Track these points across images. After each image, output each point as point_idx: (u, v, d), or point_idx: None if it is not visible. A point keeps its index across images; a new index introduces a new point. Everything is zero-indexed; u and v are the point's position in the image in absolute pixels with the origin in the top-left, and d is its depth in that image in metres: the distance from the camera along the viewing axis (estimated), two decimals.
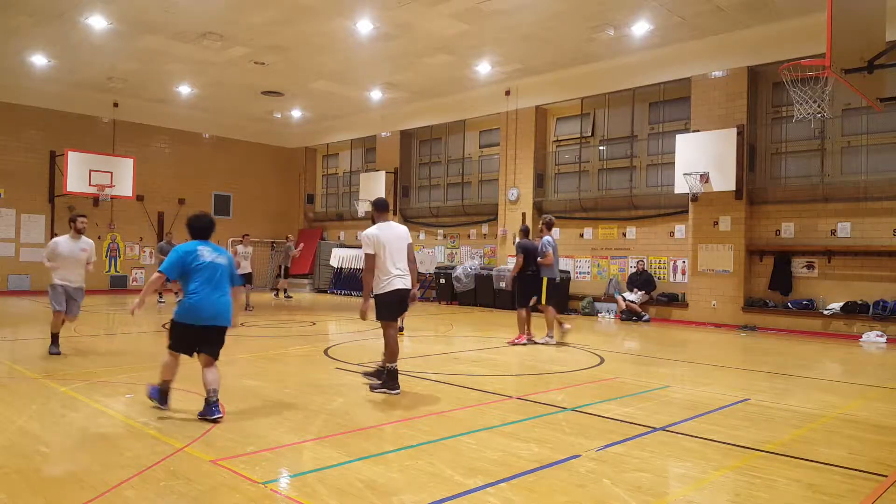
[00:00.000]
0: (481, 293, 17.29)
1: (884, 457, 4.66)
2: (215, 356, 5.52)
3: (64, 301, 8.28)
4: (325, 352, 9.03)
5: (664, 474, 4.22)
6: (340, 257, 21.57)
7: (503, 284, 16.65)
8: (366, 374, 6.83)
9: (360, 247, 21.98)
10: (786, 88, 8.21)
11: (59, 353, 8.27)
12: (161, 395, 5.57)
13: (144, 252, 21.20)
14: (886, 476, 4.22)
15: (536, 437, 4.97)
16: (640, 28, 13.33)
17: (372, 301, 6.55)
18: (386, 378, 6.44)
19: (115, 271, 20.54)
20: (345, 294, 21.08)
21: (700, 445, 4.84)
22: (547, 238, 10.25)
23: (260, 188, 24.03)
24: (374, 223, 6.78)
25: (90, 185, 18.38)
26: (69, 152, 18.18)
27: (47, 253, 8.45)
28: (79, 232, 8.58)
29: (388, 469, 4.15)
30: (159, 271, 5.46)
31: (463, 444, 4.74)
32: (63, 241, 8.49)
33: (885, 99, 7.52)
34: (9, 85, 18.06)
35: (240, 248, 15.31)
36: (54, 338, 8.43)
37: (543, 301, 10.20)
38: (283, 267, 19.57)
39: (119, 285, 20.53)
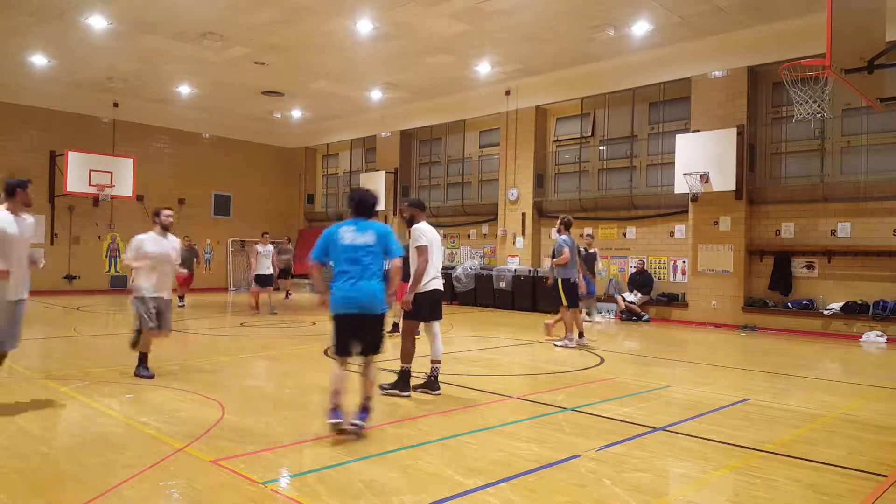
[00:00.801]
0: (481, 293, 17.29)
1: (884, 457, 4.66)
2: (373, 352, 4.98)
3: (156, 315, 6.90)
4: (325, 352, 9.03)
5: (664, 474, 4.23)
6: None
7: (503, 284, 16.66)
8: (415, 388, 6.41)
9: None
10: (786, 88, 8.21)
11: (152, 377, 6.85)
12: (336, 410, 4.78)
13: None
14: (886, 476, 4.22)
15: (536, 437, 4.97)
16: (640, 28, 13.33)
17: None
18: (398, 380, 6.28)
19: (115, 271, 20.52)
20: None
21: (700, 445, 4.84)
22: (565, 237, 10.08)
23: (260, 188, 24.03)
24: (412, 223, 6.72)
25: (90, 185, 18.38)
26: (69, 152, 18.18)
27: (132, 254, 6.99)
28: (165, 228, 7.18)
29: (388, 469, 4.15)
30: (310, 259, 5.26)
31: (463, 444, 4.74)
32: (150, 239, 7.04)
33: (885, 99, 7.52)
34: (9, 85, 18.05)
35: (259, 247, 14.61)
36: (144, 358, 7.03)
37: (564, 302, 9.88)
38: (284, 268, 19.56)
39: (119, 285, 20.50)
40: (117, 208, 20.30)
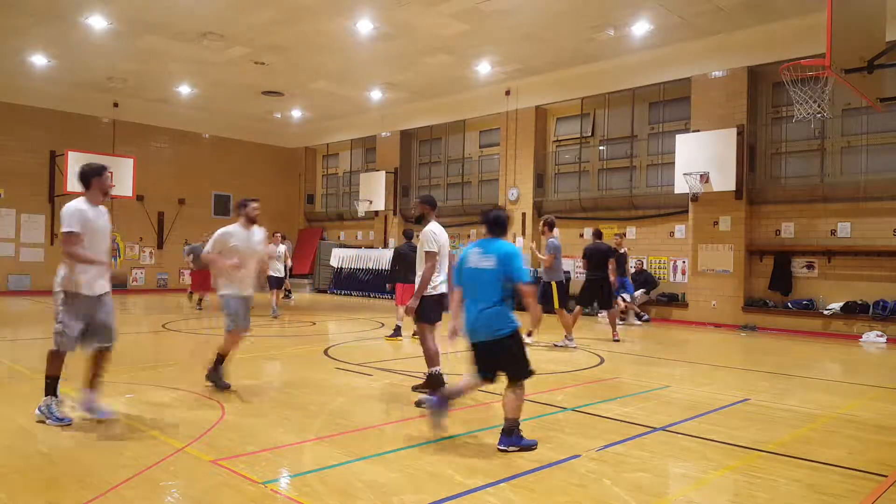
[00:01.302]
0: None
1: (884, 457, 4.66)
2: (512, 377, 4.75)
3: (242, 316, 6.35)
4: (325, 352, 9.03)
5: (664, 474, 4.22)
6: (340, 257, 21.56)
7: None
8: (417, 390, 6.30)
9: (359, 247, 22.09)
10: (786, 88, 8.21)
11: (227, 387, 6.31)
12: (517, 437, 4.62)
13: (144, 252, 21.20)
14: (886, 476, 4.22)
15: (536, 437, 4.96)
16: (640, 28, 13.33)
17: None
18: (431, 384, 6.05)
19: (116, 271, 20.52)
20: (345, 294, 21.07)
21: (700, 445, 4.84)
22: (552, 240, 10.09)
23: (260, 188, 23.95)
24: (423, 222, 6.40)
25: None
26: (69, 152, 18.15)
27: (216, 247, 6.31)
28: (252, 221, 6.44)
29: (388, 469, 4.15)
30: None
31: (463, 444, 4.74)
32: (236, 231, 6.34)
33: (885, 99, 7.53)
34: (9, 85, 18.06)
35: (270, 247, 13.20)
36: (220, 360, 6.45)
37: (556, 305, 9.92)
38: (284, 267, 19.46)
39: (119, 285, 20.51)
40: (117, 208, 20.27)
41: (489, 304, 4.66)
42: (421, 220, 6.46)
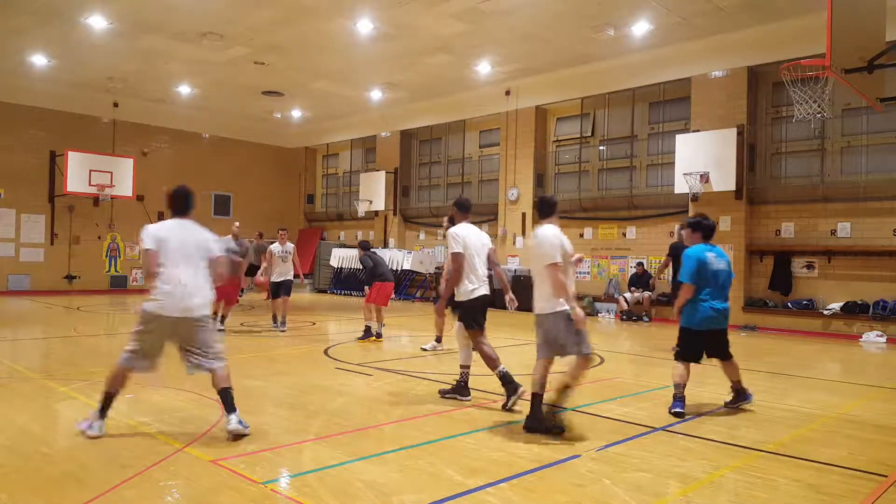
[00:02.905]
0: None
1: (884, 457, 4.66)
2: (727, 357, 5.99)
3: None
4: (325, 352, 9.03)
5: (664, 474, 4.22)
6: (340, 257, 21.56)
7: None
8: (444, 394, 6.28)
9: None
10: (786, 88, 8.20)
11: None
12: (680, 401, 5.76)
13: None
14: (886, 476, 4.22)
15: (536, 437, 4.97)
16: (640, 28, 13.33)
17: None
18: (507, 387, 5.84)
19: (116, 271, 20.53)
20: (345, 294, 21.07)
21: (700, 445, 4.84)
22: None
23: (260, 188, 24.02)
24: (452, 223, 6.41)
25: (90, 185, 18.39)
26: (69, 152, 18.18)
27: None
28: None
29: (388, 469, 4.15)
30: (683, 281, 5.84)
31: (463, 444, 4.74)
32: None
33: (885, 99, 7.52)
34: (9, 85, 18.05)
35: (275, 247, 11.38)
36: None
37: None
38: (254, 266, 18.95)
39: (119, 285, 20.52)
40: (117, 208, 20.30)
41: (727, 300, 5.88)
42: (452, 224, 6.47)
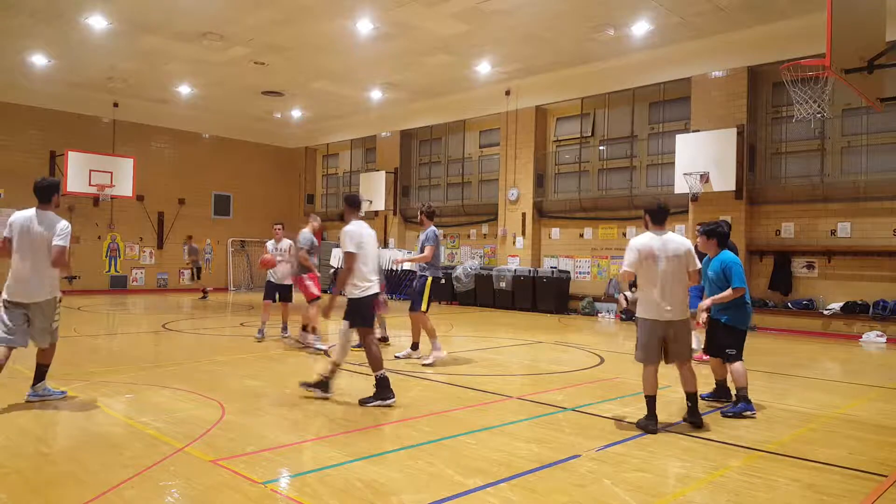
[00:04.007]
0: (481, 293, 17.28)
1: (884, 457, 4.66)
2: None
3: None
4: (325, 352, 9.02)
5: (664, 474, 4.22)
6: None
7: (503, 284, 16.65)
8: (307, 386, 6.16)
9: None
10: (786, 88, 8.20)
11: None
12: (742, 402, 5.85)
13: (145, 252, 21.20)
14: (886, 476, 4.22)
15: (536, 437, 4.97)
16: (640, 28, 13.33)
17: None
18: (380, 391, 5.90)
19: (115, 271, 20.54)
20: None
21: (700, 445, 4.84)
22: (431, 228, 8.64)
23: (260, 188, 24.02)
24: (345, 221, 6.26)
25: (90, 185, 18.38)
26: (69, 152, 18.17)
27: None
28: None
29: (388, 469, 4.15)
30: (741, 286, 5.89)
31: (463, 444, 4.74)
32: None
33: (885, 99, 7.51)
34: (9, 85, 18.06)
35: (269, 244, 10.59)
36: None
37: (425, 307, 8.57)
38: (196, 268, 19.22)
39: (119, 285, 20.52)
40: (117, 208, 20.30)
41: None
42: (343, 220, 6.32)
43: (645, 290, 5.34)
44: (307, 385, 6.14)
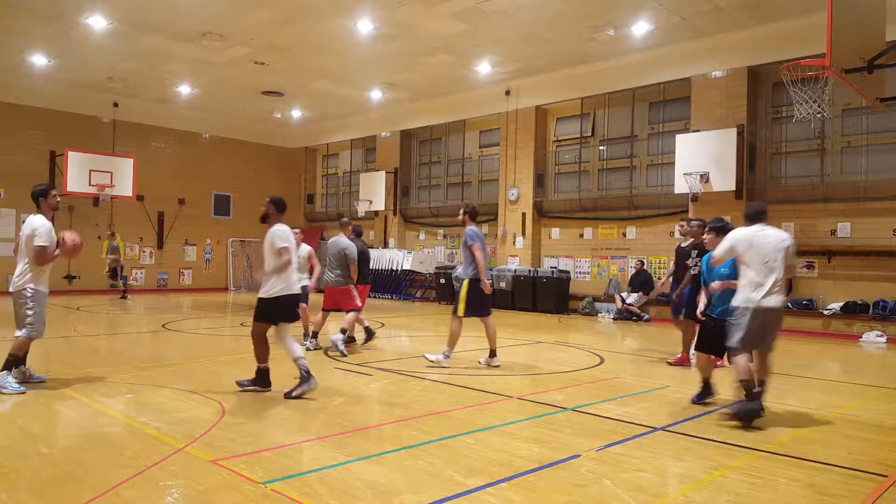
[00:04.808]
0: None
1: (884, 457, 4.66)
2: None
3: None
4: (325, 352, 9.02)
5: (664, 474, 4.22)
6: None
7: (503, 284, 16.65)
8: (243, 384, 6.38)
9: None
10: (786, 88, 8.20)
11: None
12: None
13: (145, 252, 21.20)
14: (886, 476, 4.22)
15: (536, 437, 4.97)
16: (640, 28, 13.33)
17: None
18: (255, 382, 6.32)
19: None
20: None
21: (700, 445, 4.84)
22: (473, 227, 8.18)
23: (260, 188, 23.96)
24: (265, 221, 6.35)
25: (90, 185, 18.38)
26: (69, 152, 18.17)
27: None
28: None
29: (388, 469, 4.15)
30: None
31: (463, 444, 4.74)
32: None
33: (885, 99, 7.52)
34: (9, 85, 18.05)
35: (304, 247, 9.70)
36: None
37: (461, 311, 8.05)
38: (115, 269, 18.17)
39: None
40: (117, 208, 20.30)
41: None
42: (266, 220, 6.41)
43: (749, 279, 5.53)
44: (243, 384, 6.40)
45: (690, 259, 8.31)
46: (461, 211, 8.25)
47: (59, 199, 6.49)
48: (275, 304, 6.23)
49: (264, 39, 14.50)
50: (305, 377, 6.10)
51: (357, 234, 9.82)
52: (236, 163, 23.29)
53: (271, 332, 6.35)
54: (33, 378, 6.49)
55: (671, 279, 9.05)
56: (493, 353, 8.08)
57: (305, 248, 9.43)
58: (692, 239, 8.45)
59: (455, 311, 7.99)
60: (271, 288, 6.20)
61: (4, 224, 18.63)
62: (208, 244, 22.58)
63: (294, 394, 6.07)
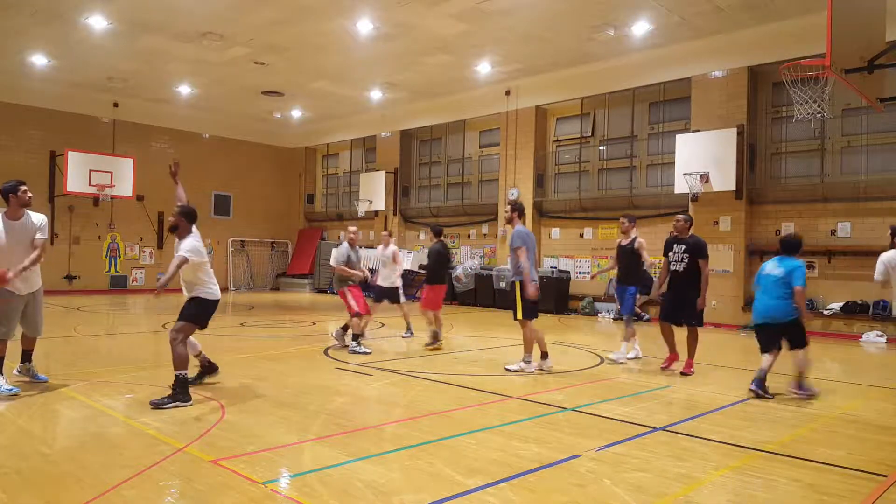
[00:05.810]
0: (481, 293, 17.29)
1: (884, 457, 4.66)
2: (801, 345, 6.88)
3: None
4: (325, 352, 9.03)
5: (664, 474, 4.22)
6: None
7: (503, 284, 16.65)
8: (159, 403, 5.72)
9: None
10: (786, 88, 8.19)
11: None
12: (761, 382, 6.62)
13: (144, 252, 21.20)
14: (886, 476, 4.22)
15: (536, 437, 4.97)
16: (640, 28, 13.33)
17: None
18: (177, 389, 5.74)
19: (116, 271, 20.53)
20: None
21: (700, 445, 4.84)
22: (520, 226, 7.95)
23: (260, 188, 24.03)
24: (182, 232, 6.20)
25: (90, 185, 18.39)
26: (69, 152, 18.18)
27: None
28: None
29: (388, 469, 4.15)
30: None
31: (463, 444, 4.74)
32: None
33: (885, 99, 7.50)
34: (9, 85, 18.05)
35: (379, 250, 10.80)
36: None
37: (520, 314, 7.88)
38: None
39: (119, 285, 20.52)
40: (117, 208, 20.30)
41: (775, 299, 6.88)
42: (175, 230, 6.25)
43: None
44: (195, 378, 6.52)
45: (672, 253, 8.21)
46: (508, 208, 7.90)
47: (30, 195, 6.20)
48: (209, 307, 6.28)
49: (264, 39, 14.50)
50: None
51: (436, 234, 10.18)
52: (236, 163, 23.29)
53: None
54: (37, 377, 6.49)
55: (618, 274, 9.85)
56: (544, 355, 7.92)
57: (392, 248, 10.48)
58: (634, 236, 8.96)
59: (515, 317, 7.80)
60: (207, 290, 6.24)
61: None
62: (208, 244, 22.55)
63: (163, 401, 5.70)
